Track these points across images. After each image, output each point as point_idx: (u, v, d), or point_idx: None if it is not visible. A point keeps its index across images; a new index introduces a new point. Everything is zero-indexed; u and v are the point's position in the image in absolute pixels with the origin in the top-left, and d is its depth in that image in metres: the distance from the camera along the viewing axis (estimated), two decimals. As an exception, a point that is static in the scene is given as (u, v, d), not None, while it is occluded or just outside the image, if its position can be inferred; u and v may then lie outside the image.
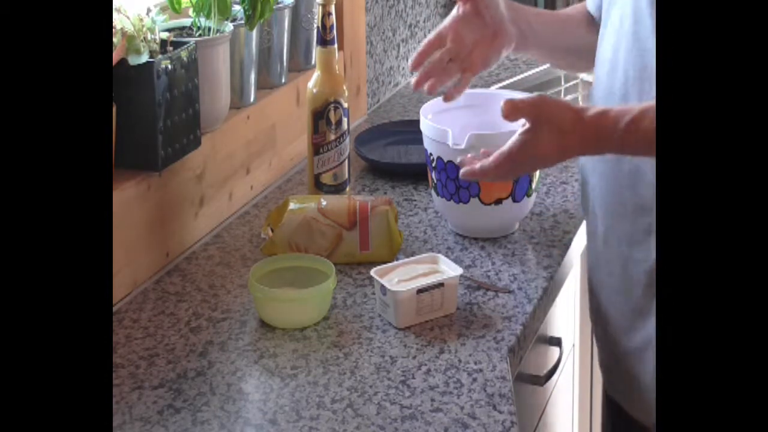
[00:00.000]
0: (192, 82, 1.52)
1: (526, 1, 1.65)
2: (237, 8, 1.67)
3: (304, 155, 1.85)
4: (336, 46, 1.64)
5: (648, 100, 1.28)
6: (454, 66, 1.48)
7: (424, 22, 2.50)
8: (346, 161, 1.67)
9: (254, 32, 1.69)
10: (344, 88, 1.65)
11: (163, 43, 1.48)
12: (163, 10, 1.58)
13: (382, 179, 1.86)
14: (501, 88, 2.31)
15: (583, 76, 2.52)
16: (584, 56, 1.53)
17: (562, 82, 2.50)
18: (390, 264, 1.46)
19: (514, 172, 1.40)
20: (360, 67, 2.14)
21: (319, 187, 1.66)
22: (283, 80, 1.84)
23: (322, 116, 1.63)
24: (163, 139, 1.47)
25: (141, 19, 1.43)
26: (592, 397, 2.03)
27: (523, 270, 1.54)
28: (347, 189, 1.69)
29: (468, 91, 1.74)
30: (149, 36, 1.44)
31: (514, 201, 1.59)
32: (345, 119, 1.65)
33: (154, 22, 1.48)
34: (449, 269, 1.44)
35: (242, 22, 1.66)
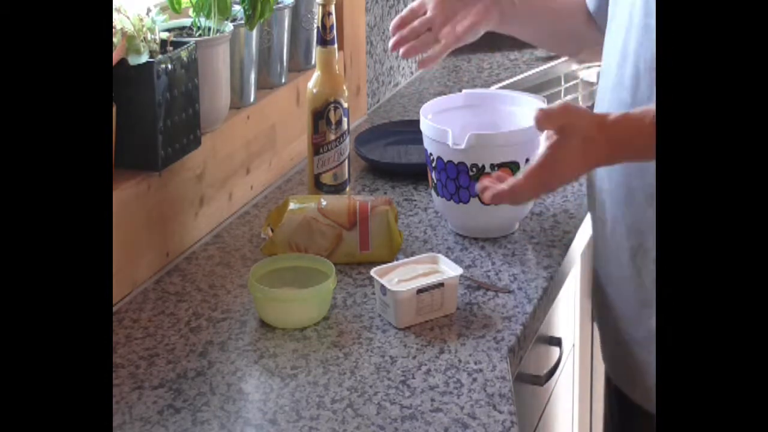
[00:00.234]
0: (192, 82, 1.52)
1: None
2: (237, 8, 1.67)
3: (304, 155, 1.85)
4: (336, 46, 1.64)
5: None
6: (430, 36, 1.50)
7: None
8: (346, 161, 1.67)
9: (254, 32, 1.70)
10: (344, 88, 1.65)
11: (163, 43, 1.48)
12: (163, 10, 1.58)
13: (382, 179, 1.86)
14: (501, 88, 2.31)
15: (583, 76, 2.52)
16: (574, 42, 1.53)
17: (562, 82, 2.50)
18: (390, 264, 1.46)
19: (545, 187, 1.33)
20: (360, 67, 2.14)
21: (319, 187, 1.66)
22: (283, 80, 1.84)
23: (322, 116, 1.63)
24: (163, 139, 1.47)
25: (141, 19, 1.43)
26: (592, 396, 2.03)
27: (523, 270, 1.54)
28: (347, 189, 1.69)
29: (468, 91, 1.75)
30: (149, 36, 1.44)
31: (514, 201, 1.59)
32: (345, 119, 1.65)
33: (154, 22, 1.48)
34: (449, 269, 1.44)
35: (242, 22, 1.66)
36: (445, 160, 1.58)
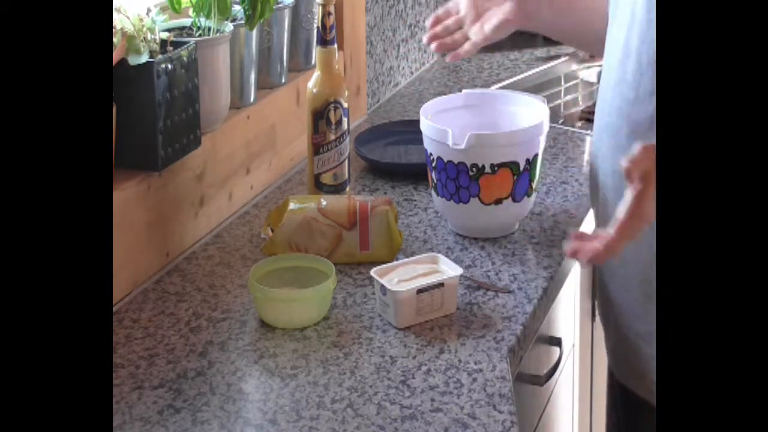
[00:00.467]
0: (192, 82, 1.52)
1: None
2: (237, 8, 1.67)
3: (304, 155, 1.85)
4: (336, 46, 1.64)
5: None
6: (460, 34, 1.62)
7: (424, 22, 2.50)
8: (346, 161, 1.67)
9: (254, 32, 1.70)
10: (344, 88, 1.65)
11: (163, 43, 1.48)
12: (163, 10, 1.58)
13: (382, 179, 1.86)
14: (501, 88, 2.31)
15: (583, 76, 2.53)
16: (600, 42, 1.53)
17: (562, 82, 2.50)
18: (390, 264, 1.46)
19: (636, 232, 1.23)
20: (360, 67, 2.14)
21: (319, 187, 1.66)
22: (283, 80, 1.84)
23: (322, 116, 1.63)
24: (163, 139, 1.47)
25: (141, 19, 1.43)
26: (592, 396, 2.03)
27: (523, 270, 1.54)
28: (347, 189, 1.69)
29: (468, 91, 1.75)
30: (149, 36, 1.44)
31: (514, 201, 1.59)
32: (345, 119, 1.65)
33: (154, 22, 1.48)
34: (449, 269, 1.44)
35: (242, 22, 1.66)
36: (445, 160, 1.58)
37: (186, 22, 1.62)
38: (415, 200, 1.78)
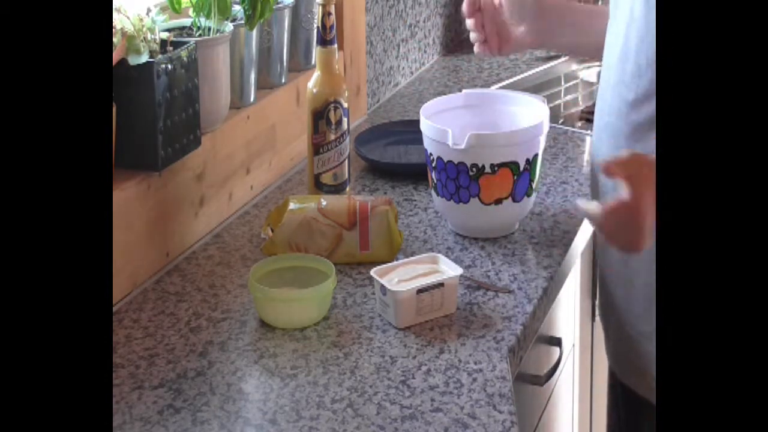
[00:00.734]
0: (192, 82, 1.52)
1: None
2: (237, 8, 1.67)
3: (304, 155, 1.85)
4: (336, 46, 1.64)
5: None
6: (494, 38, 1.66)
7: (424, 22, 2.50)
8: (346, 161, 1.67)
9: (254, 32, 1.69)
10: (344, 88, 1.65)
11: (163, 43, 1.48)
12: (163, 10, 1.58)
13: (382, 179, 1.86)
14: (501, 88, 2.31)
15: (583, 76, 2.53)
16: None
17: (562, 82, 2.50)
18: (390, 264, 1.46)
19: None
20: (360, 67, 2.14)
21: (319, 187, 1.66)
22: (283, 80, 1.84)
23: (322, 116, 1.63)
24: (163, 139, 1.47)
25: (141, 19, 1.43)
26: (592, 396, 2.03)
27: (523, 270, 1.54)
28: (347, 189, 1.69)
29: (468, 91, 1.75)
30: (149, 36, 1.44)
31: (514, 201, 1.59)
32: (345, 119, 1.65)
33: (154, 22, 1.48)
34: (449, 269, 1.44)
35: (242, 22, 1.66)
36: (445, 160, 1.58)
37: (186, 22, 1.62)
38: (415, 200, 1.78)
